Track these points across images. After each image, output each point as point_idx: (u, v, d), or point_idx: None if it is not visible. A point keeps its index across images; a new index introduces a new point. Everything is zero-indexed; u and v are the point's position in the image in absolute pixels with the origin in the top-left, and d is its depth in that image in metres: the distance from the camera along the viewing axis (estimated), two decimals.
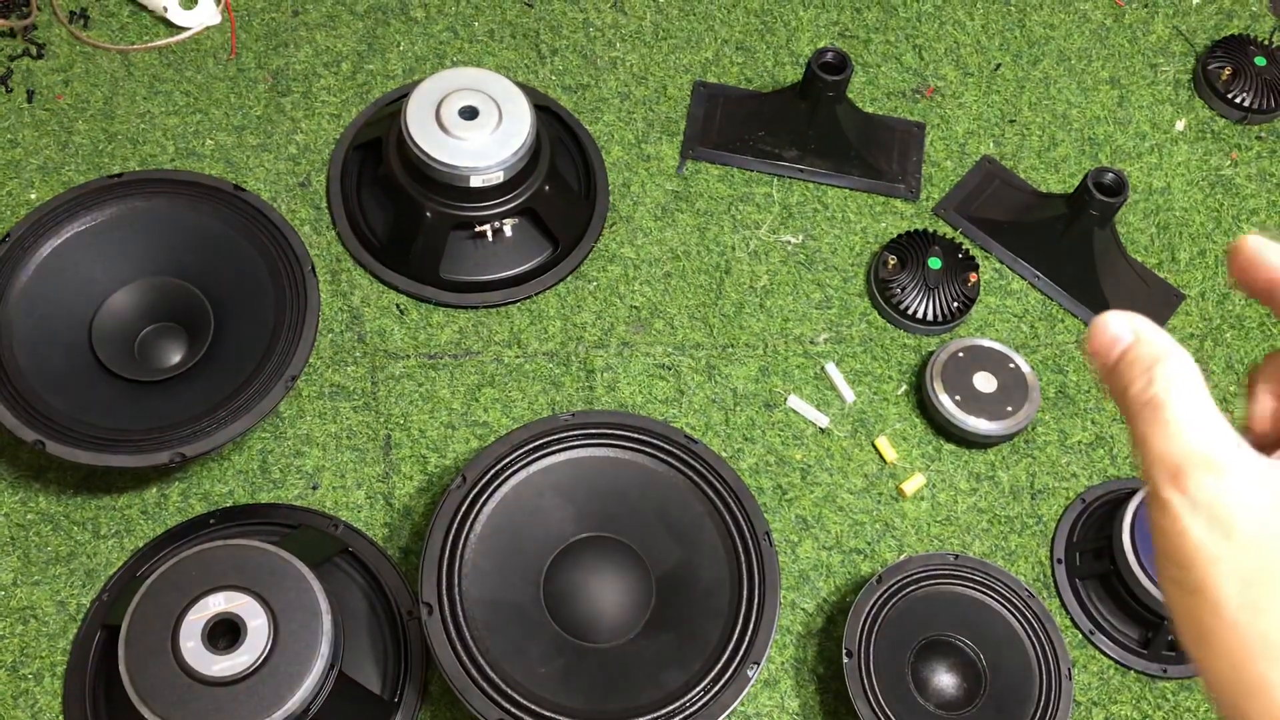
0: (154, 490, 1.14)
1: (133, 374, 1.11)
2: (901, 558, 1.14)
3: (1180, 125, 1.49)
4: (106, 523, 1.12)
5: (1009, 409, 1.22)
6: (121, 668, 0.92)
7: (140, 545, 1.11)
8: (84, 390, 1.08)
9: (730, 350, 1.28)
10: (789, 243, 1.35)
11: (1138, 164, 1.45)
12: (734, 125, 1.40)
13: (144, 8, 1.40)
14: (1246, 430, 0.43)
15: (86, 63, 1.36)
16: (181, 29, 1.39)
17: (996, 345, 1.25)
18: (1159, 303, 1.35)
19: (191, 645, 0.93)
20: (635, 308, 1.29)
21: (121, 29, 1.39)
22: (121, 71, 1.36)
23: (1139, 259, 1.39)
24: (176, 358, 1.14)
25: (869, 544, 1.19)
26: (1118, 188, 1.27)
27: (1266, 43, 1.53)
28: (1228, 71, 1.49)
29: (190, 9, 1.40)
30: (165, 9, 1.38)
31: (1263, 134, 1.49)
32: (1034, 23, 1.54)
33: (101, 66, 1.36)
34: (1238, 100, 1.48)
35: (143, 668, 0.93)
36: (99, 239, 1.12)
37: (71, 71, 1.35)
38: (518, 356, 1.25)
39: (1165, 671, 1.15)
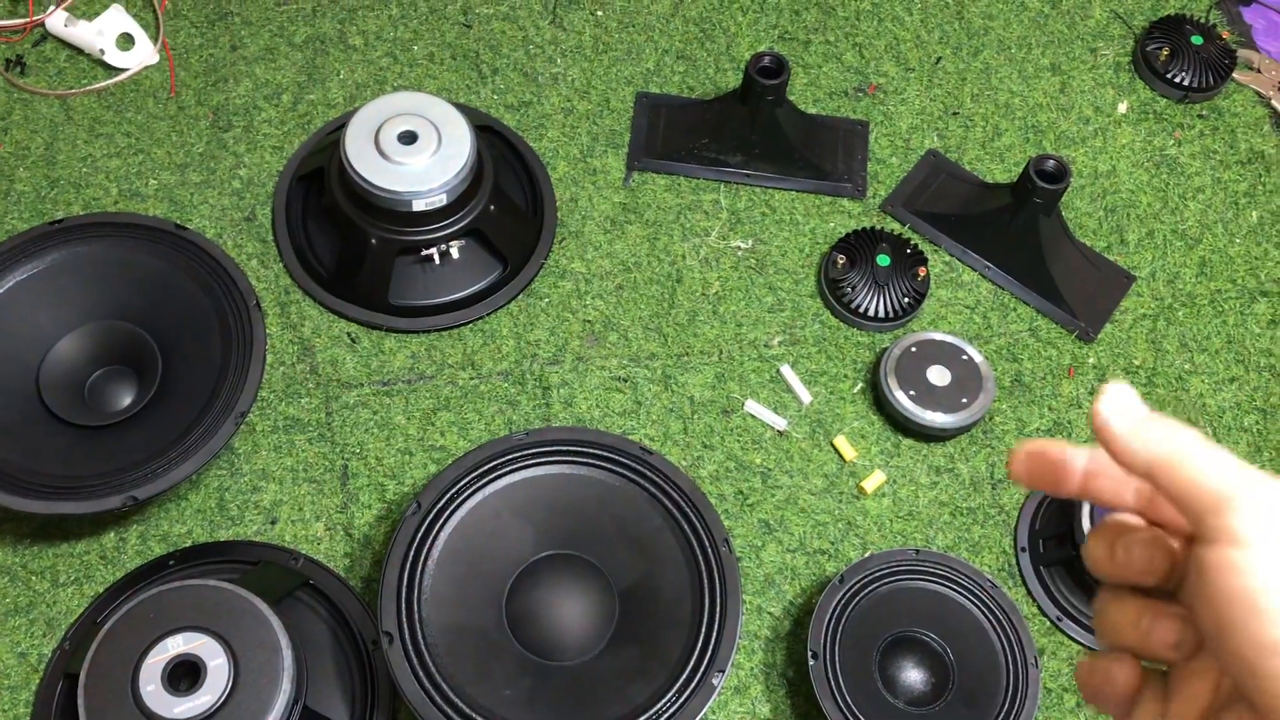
0: (112, 535, 1.13)
1: (83, 419, 1.10)
2: (864, 556, 1.14)
3: (1123, 107, 1.50)
4: (65, 570, 1.11)
5: (964, 401, 1.22)
6: (81, 716, 0.92)
7: (100, 591, 1.11)
8: (34, 439, 1.08)
9: (685, 359, 1.28)
10: (739, 248, 1.35)
11: (1082, 148, 1.46)
12: (678, 134, 1.40)
13: (80, 51, 1.40)
14: None
15: (25, 110, 1.36)
16: (119, 70, 1.39)
17: (948, 338, 1.26)
18: (1110, 285, 1.36)
19: (151, 689, 0.93)
20: (589, 322, 1.29)
21: (59, 74, 1.39)
22: (61, 116, 1.36)
23: (1088, 243, 1.39)
24: (126, 400, 1.14)
25: (832, 544, 1.19)
26: (1059, 174, 1.28)
27: (1203, 21, 1.54)
28: (1166, 52, 1.50)
29: (127, 50, 1.39)
30: (102, 51, 1.38)
31: (1204, 112, 1.50)
32: (972, 14, 1.55)
33: (40, 112, 1.36)
34: (1177, 80, 1.49)
35: (103, 715, 0.92)
36: (42, 286, 1.12)
37: (10, 119, 1.35)
38: (472, 378, 1.24)
39: None
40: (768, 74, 1.31)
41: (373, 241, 1.22)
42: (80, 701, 0.93)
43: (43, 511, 1.00)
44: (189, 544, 1.13)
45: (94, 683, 0.93)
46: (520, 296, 1.29)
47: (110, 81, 1.38)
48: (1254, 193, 1.44)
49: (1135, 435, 0.41)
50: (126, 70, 1.39)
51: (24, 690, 1.06)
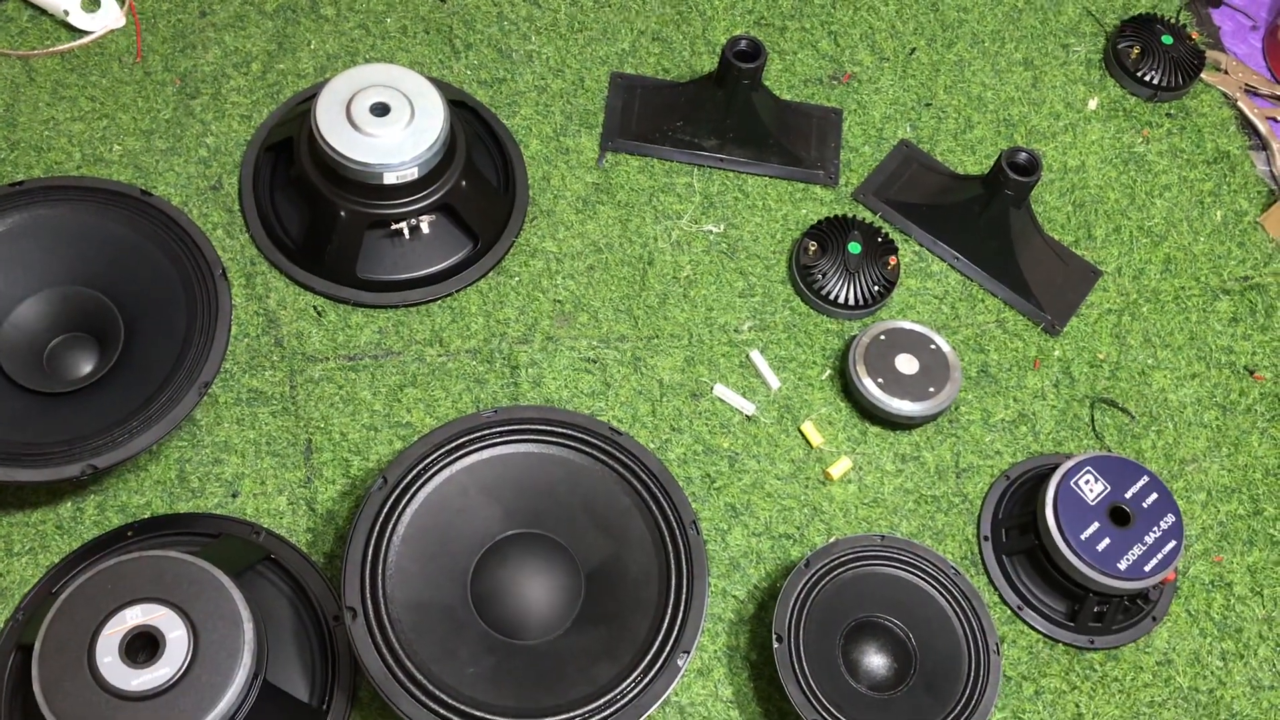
0: (69, 504, 1.11)
1: (42, 386, 1.08)
2: (830, 541, 1.15)
3: (1093, 104, 1.51)
4: (19, 539, 1.09)
5: (931, 390, 1.23)
6: (36, 687, 0.90)
7: (55, 561, 1.08)
8: None
9: (655, 341, 1.27)
10: (711, 232, 1.35)
11: (1053, 143, 1.47)
12: (652, 116, 1.40)
13: (44, 11, 1.37)
14: None
15: None
16: (84, 33, 1.36)
17: (917, 327, 1.26)
18: (1077, 279, 1.37)
19: (109, 660, 0.91)
20: (559, 302, 1.28)
21: (21, 34, 1.36)
22: (23, 78, 1.33)
23: (1056, 237, 1.40)
24: (87, 368, 1.11)
25: (798, 529, 1.19)
26: (1031, 167, 1.28)
27: (1173, 21, 1.56)
28: (1137, 50, 1.51)
29: (93, 12, 1.36)
30: (66, 12, 1.35)
31: (1172, 111, 1.52)
32: (947, 6, 1.56)
33: (1, 73, 1.33)
34: (1147, 78, 1.50)
35: (58, 686, 0.90)
36: (1, 250, 1.09)
37: None
38: (440, 355, 1.23)
39: (1092, 643, 1.16)
40: (744, 58, 1.31)
41: (342, 214, 1.20)
42: (35, 673, 0.91)
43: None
44: (148, 515, 1.12)
45: (50, 654, 0.91)
46: (490, 274, 1.28)
47: (75, 44, 1.35)
48: (1219, 192, 1.46)
49: None
50: (91, 33, 1.36)
51: None
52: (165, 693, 0.91)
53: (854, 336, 1.27)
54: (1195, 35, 1.56)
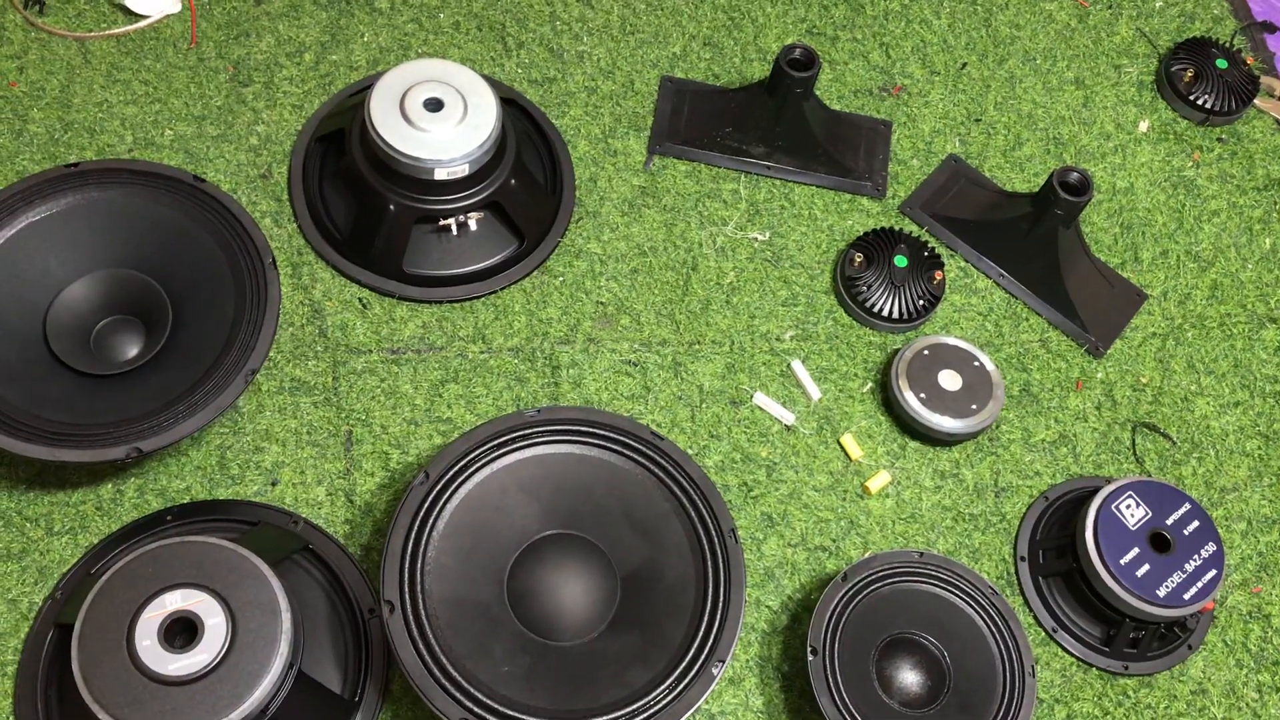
0: (109, 486, 1.12)
1: (88, 367, 1.09)
2: (866, 555, 1.14)
3: (1144, 126, 1.50)
4: (60, 519, 1.10)
5: (973, 407, 1.22)
6: (75, 667, 0.91)
7: (95, 542, 1.09)
8: (37, 383, 1.06)
9: (697, 347, 1.27)
10: (756, 240, 1.34)
11: (1102, 164, 1.46)
12: (701, 121, 1.39)
13: None
14: None
15: (42, 49, 1.34)
16: (140, 17, 1.37)
17: (961, 343, 1.26)
18: (1122, 302, 1.36)
19: (147, 644, 0.92)
20: (602, 304, 1.28)
21: (78, 16, 1.37)
22: (78, 59, 1.34)
23: (1102, 258, 1.39)
24: (133, 351, 1.12)
25: (834, 541, 1.19)
26: (1082, 187, 1.28)
27: (1227, 45, 1.54)
28: (1190, 73, 1.50)
29: None
30: None
31: (1224, 136, 1.51)
32: (1000, 22, 1.55)
33: (57, 54, 1.34)
34: (1199, 102, 1.49)
35: (97, 667, 0.91)
36: (54, 230, 1.10)
37: (26, 58, 1.33)
38: (482, 352, 1.23)
39: (1126, 669, 1.15)
40: (798, 66, 1.30)
41: (391, 208, 1.21)
42: (74, 653, 0.91)
43: (45, 457, 0.98)
44: (187, 500, 1.12)
45: (90, 635, 0.92)
46: (535, 273, 1.28)
47: (130, 27, 1.36)
48: (1268, 219, 1.45)
49: None
50: (147, 18, 1.37)
51: (12, 637, 1.04)
52: (202, 679, 0.91)
53: (897, 350, 1.27)
54: (1250, 60, 1.54)
